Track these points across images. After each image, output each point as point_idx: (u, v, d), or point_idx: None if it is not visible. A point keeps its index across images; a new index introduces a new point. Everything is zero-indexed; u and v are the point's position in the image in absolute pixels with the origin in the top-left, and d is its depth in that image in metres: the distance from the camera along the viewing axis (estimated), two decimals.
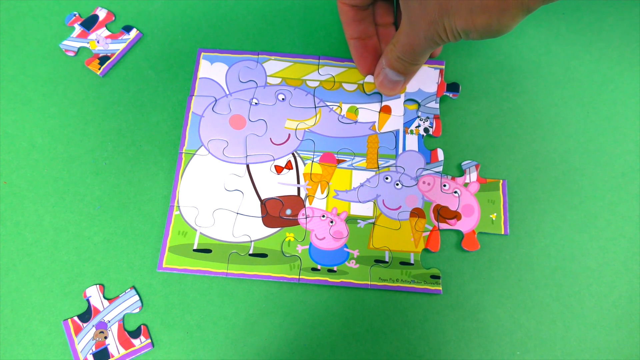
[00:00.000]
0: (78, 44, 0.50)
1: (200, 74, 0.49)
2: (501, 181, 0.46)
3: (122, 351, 0.42)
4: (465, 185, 0.46)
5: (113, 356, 0.42)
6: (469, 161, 0.47)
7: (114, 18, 0.52)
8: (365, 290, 0.44)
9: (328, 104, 0.48)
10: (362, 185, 0.46)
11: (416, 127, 0.48)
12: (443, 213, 0.45)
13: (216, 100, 0.48)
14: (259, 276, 0.43)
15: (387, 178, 0.46)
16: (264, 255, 0.44)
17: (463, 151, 0.48)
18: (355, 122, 0.48)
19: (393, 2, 0.45)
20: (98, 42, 0.50)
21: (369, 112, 0.48)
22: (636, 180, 0.47)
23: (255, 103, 0.48)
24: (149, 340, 0.42)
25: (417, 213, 0.45)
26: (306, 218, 0.45)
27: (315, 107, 0.48)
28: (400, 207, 0.46)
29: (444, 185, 0.46)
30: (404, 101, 0.49)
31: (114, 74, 0.50)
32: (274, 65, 0.50)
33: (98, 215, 0.45)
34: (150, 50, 0.51)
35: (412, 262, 0.44)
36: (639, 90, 0.50)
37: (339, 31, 0.52)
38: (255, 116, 0.48)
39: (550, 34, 0.52)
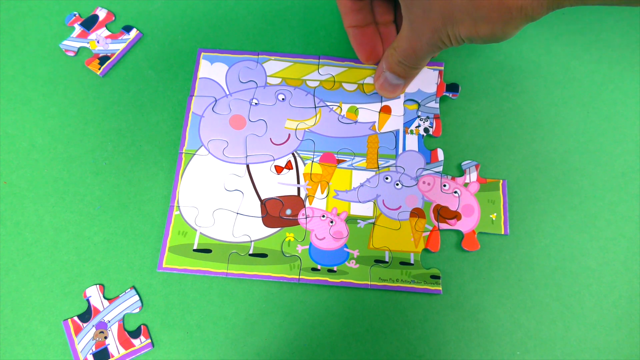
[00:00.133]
0: (78, 44, 0.50)
1: (200, 74, 0.49)
2: (501, 181, 0.46)
3: (122, 351, 0.42)
4: (465, 185, 0.46)
5: (113, 356, 0.42)
6: (469, 161, 0.47)
7: (114, 18, 0.52)
8: (365, 290, 0.44)
9: (328, 104, 0.48)
10: (362, 185, 0.46)
11: (416, 127, 0.48)
12: (443, 213, 0.45)
13: (216, 101, 0.48)
14: (259, 276, 0.43)
15: (387, 178, 0.46)
16: (264, 255, 0.44)
17: (463, 151, 0.48)
18: (355, 122, 0.48)
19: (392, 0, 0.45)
20: (98, 42, 0.50)
21: (369, 112, 0.48)
22: (636, 180, 0.47)
23: (255, 103, 0.48)
24: (149, 340, 0.42)
25: (417, 213, 0.45)
26: (306, 218, 0.45)
27: (315, 107, 0.48)
28: (400, 207, 0.46)
29: (444, 185, 0.46)
30: (404, 101, 0.49)
31: (114, 74, 0.50)
32: (274, 65, 0.50)
33: (98, 215, 0.45)
34: (150, 50, 0.51)
35: (412, 262, 0.44)
36: (639, 90, 0.50)
37: (339, 31, 0.52)
38: (255, 116, 0.48)
39: (550, 34, 0.52)
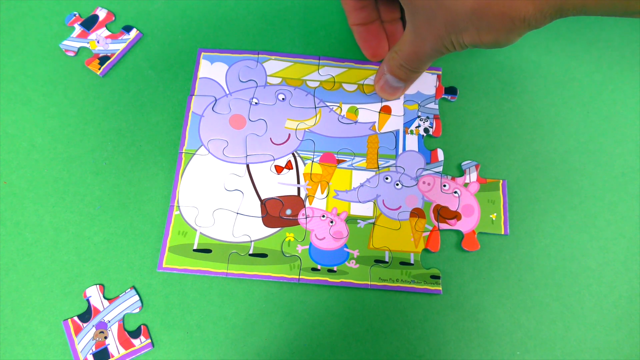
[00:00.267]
0: (78, 44, 0.50)
1: (200, 74, 0.49)
2: (501, 181, 0.46)
3: (122, 351, 0.42)
4: (465, 185, 0.46)
5: (113, 356, 0.42)
6: (469, 161, 0.47)
7: (114, 18, 0.52)
8: (365, 290, 0.44)
9: (328, 104, 0.48)
10: (362, 185, 0.46)
11: (416, 127, 0.48)
12: (443, 213, 0.45)
13: (216, 100, 0.48)
14: (259, 276, 0.43)
15: (387, 178, 0.46)
16: (264, 255, 0.44)
17: (463, 151, 0.48)
18: (355, 122, 0.48)
19: None
20: (98, 42, 0.50)
21: (369, 112, 0.48)
22: (636, 180, 0.47)
23: (255, 103, 0.48)
24: (149, 340, 0.42)
25: (417, 213, 0.45)
26: (306, 218, 0.45)
27: (315, 107, 0.48)
28: (400, 207, 0.46)
29: (444, 186, 0.46)
30: (404, 101, 0.49)
31: (114, 74, 0.50)
32: (274, 65, 0.50)
33: (98, 215, 0.45)
34: (150, 50, 0.51)
35: (412, 262, 0.44)
36: (639, 90, 0.50)
37: (339, 31, 0.52)
38: (255, 116, 0.48)
39: (550, 34, 0.52)
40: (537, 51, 0.51)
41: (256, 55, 0.50)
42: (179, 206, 0.45)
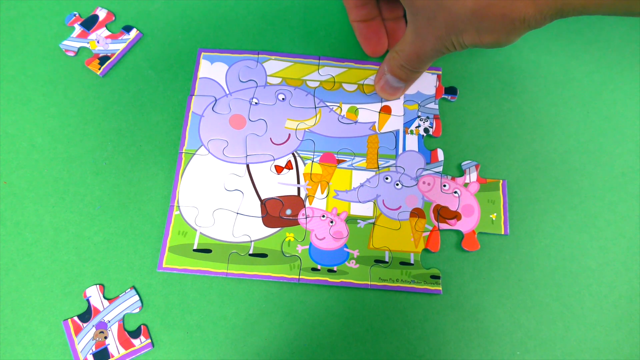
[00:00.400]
0: (78, 44, 0.50)
1: (200, 74, 0.49)
2: (501, 181, 0.46)
3: (122, 351, 0.42)
4: (465, 185, 0.46)
5: (113, 356, 0.42)
6: (469, 161, 0.47)
7: (114, 18, 0.52)
8: (365, 290, 0.44)
9: (328, 104, 0.48)
10: (362, 185, 0.46)
11: (416, 127, 0.48)
12: (443, 213, 0.45)
13: (216, 100, 0.48)
14: (259, 276, 0.43)
15: (387, 178, 0.46)
16: (264, 255, 0.44)
17: (463, 151, 0.48)
18: (355, 122, 0.48)
19: None
20: (98, 42, 0.50)
21: (369, 112, 0.48)
22: (636, 180, 0.47)
23: (255, 103, 0.48)
24: (149, 340, 0.42)
25: (417, 213, 0.45)
26: (306, 218, 0.45)
27: (315, 107, 0.48)
28: (400, 207, 0.46)
29: (444, 186, 0.46)
30: (404, 102, 0.49)
31: (114, 74, 0.50)
32: (274, 65, 0.50)
33: (98, 215, 0.45)
34: (150, 50, 0.51)
35: (412, 262, 0.44)
36: (639, 90, 0.50)
37: (339, 31, 0.52)
38: (255, 116, 0.48)
39: (550, 34, 0.52)
40: (537, 51, 0.51)
41: (256, 55, 0.50)
42: (179, 206, 0.45)
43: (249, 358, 0.42)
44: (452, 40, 0.36)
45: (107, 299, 0.43)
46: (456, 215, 0.45)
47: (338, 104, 0.48)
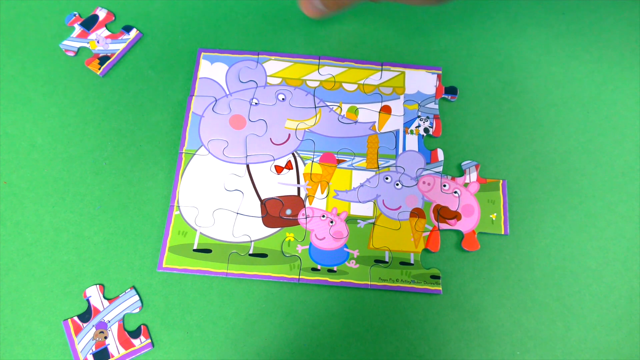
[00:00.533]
0: (78, 44, 0.50)
1: (200, 74, 0.49)
2: (501, 181, 0.46)
3: (122, 351, 0.42)
4: (465, 185, 0.46)
5: (113, 356, 0.42)
6: (469, 161, 0.47)
7: (114, 18, 0.52)
8: (365, 290, 0.44)
9: (328, 104, 0.48)
10: (362, 185, 0.46)
11: (416, 127, 0.48)
12: (443, 213, 0.45)
13: (216, 100, 0.48)
14: (259, 276, 0.43)
15: (387, 178, 0.46)
16: (264, 255, 0.44)
17: (463, 151, 0.48)
18: (355, 122, 0.48)
19: None
20: (98, 42, 0.50)
21: (369, 112, 0.48)
22: (636, 180, 0.47)
23: (255, 103, 0.48)
24: (149, 340, 0.42)
25: (417, 213, 0.45)
26: (306, 218, 0.45)
27: (315, 107, 0.48)
28: (400, 207, 0.46)
29: (444, 185, 0.46)
30: (404, 101, 0.49)
31: (114, 74, 0.50)
32: (274, 65, 0.50)
33: (98, 215, 0.45)
34: (150, 50, 0.51)
35: (412, 262, 0.44)
36: (639, 90, 0.50)
37: (339, 31, 0.52)
38: (255, 116, 0.48)
39: (550, 34, 0.52)
40: (537, 51, 0.51)
41: (256, 56, 0.50)
42: (179, 206, 0.45)
43: (249, 358, 0.42)
44: None
45: (107, 299, 0.43)
46: (456, 215, 0.45)
47: (338, 104, 0.48)
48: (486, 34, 0.52)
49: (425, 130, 0.48)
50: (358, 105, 0.49)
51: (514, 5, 0.53)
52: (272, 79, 0.49)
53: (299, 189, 0.46)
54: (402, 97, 0.49)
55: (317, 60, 0.50)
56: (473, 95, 0.50)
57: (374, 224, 0.45)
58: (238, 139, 0.47)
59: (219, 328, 0.43)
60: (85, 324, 0.42)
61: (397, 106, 0.49)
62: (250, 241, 0.44)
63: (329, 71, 0.49)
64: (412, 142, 0.48)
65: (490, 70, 0.51)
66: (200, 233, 0.44)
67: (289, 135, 0.47)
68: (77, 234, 0.45)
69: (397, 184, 0.46)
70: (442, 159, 0.47)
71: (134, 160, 0.47)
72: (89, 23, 0.51)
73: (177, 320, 0.43)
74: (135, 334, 0.42)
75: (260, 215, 0.45)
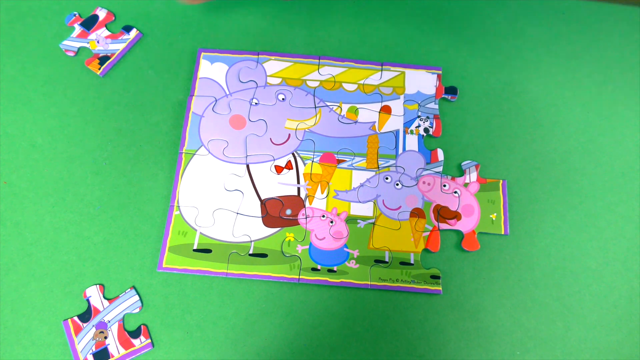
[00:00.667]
0: (78, 44, 0.50)
1: (200, 74, 0.49)
2: (501, 181, 0.46)
3: (122, 351, 0.42)
4: (465, 185, 0.46)
5: (113, 356, 0.42)
6: (469, 161, 0.47)
7: (114, 18, 0.52)
8: (365, 290, 0.44)
9: (328, 104, 0.48)
10: (362, 185, 0.46)
11: (416, 127, 0.48)
12: (443, 213, 0.45)
13: (216, 100, 0.48)
14: (259, 276, 0.43)
15: (387, 178, 0.46)
16: (264, 255, 0.44)
17: (463, 151, 0.48)
18: (355, 122, 0.48)
19: None
20: (98, 42, 0.50)
21: (369, 112, 0.48)
22: (636, 180, 0.47)
23: (255, 103, 0.48)
24: (149, 340, 0.42)
25: (417, 213, 0.45)
26: (306, 218, 0.45)
27: (315, 107, 0.48)
28: (400, 207, 0.46)
29: (444, 185, 0.46)
30: (404, 101, 0.49)
31: (114, 74, 0.50)
32: (274, 65, 0.50)
33: (98, 215, 0.45)
34: (150, 50, 0.51)
35: (412, 262, 0.44)
36: (639, 90, 0.50)
37: (339, 31, 0.52)
38: (255, 116, 0.48)
39: (550, 34, 0.52)
40: (537, 51, 0.51)
41: (256, 56, 0.50)
42: (179, 206, 0.45)
43: (249, 358, 0.42)
44: None
45: (107, 299, 0.43)
46: (456, 215, 0.45)
47: (338, 104, 0.48)
48: (486, 34, 0.52)
49: (425, 130, 0.48)
50: (358, 105, 0.49)
51: (514, 5, 0.53)
52: (272, 79, 0.49)
53: (299, 189, 0.46)
54: (402, 97, 0.49)
55: (317, 60, 0.50)
56: (473, 95, 0.50)
57: (374, 224, 0.45)
58: (238, 139, 0.47)
59: (219, 328, 0.43)
60: (85, 324, 0.42)
61: (397, 106, 0.49)
62: (250, 241, 0.44)
63: (329, 71, 0.49)
64: (412, 142, 0.48)
65: (490, 70, 0.51)
66: (200, 233, 0.44)
67: (289, 135, 0.47)
68: (77, 234, 0.45)
69: (397, 184, 0.46)
70: (442, 159, 0.47)
71: (134, 160, 0.47)
72: (89, 23, 0.51)
73: (177, 320, 0.43)
74: (135, 334, 0.42)
75: (260, 215, 0.45)
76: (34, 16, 0.51)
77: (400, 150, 0.47)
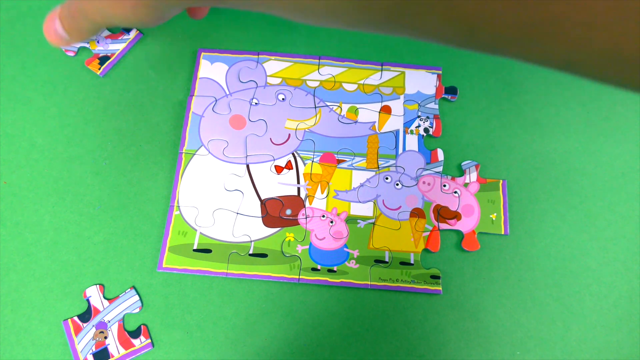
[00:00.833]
0: (78, 44, 0.50)
1: (200, 74, 0.49)
2: (501, 181, 0.46)
3: (122, 351, 0.42)
4: (465, 185, 0.46)
5: (113, 356, 0.42)
6: (469, 161, 0.47)
7: None
8: (365, 290, 0.44)
9: (328, 104, 0.48)
10: (362, 185, 0.46)
11: (416, 127, 0.48)
12: (443, 213, 0.45)
13: (216, 100, 0.48)
14: (259, 276, 0.43)
15: (387, 178, 0.46)
16: (264, 255, 0.44)
17: (463, 151, 0.48)
18: (355, 122, 0.48)
19: None
20: (98, 42, 0.50)
21: (369, 112, 0.48)
22: (636, 180, 0.47)
23: (255, 103, 0.48)
24: (149, 340, 0.42)
25: (417, 213, 0.45)
26: (306, 218, 0.45)
27: (315, 107, 0.48)
28: (400, 207, 0.46)
29: (444, 185, 0.46)
30: (404, 101, 0.49)
31: (114, 74, 0.50)
32: (274, 65, 0.50)
33: (98, 215, 0.45)
34: (150, 50, 0.51)
35: (412, 262, 0.44)
36: None
37: (339, 31, 0.52)
38: (255, 116, 0.48)
39: None
40: None
41: (256, 56, 0.50)
42: (179, 206, 0.45)
43: (249, 358, 0.42)
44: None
45: (107, 299, 0.43)
46: (456, 215, 0.45)
47: (338, 104, 0.48)
48: None
49: (425, 130, 0.48)
50: (358, 105, 0.49)
51: None
52: (272, 79, 0.49)
53: (299, 189, 0.46)
54: (402, 97, 0.49)
55: (317, 60, 0.50)
56: (473, 95, 0.50)
57: (374, 224, 0.45)
58: (238, 139, 0.47)
59: (219, 328, 0.43)
60: (85, 324, 0.42)
61: (397, 106, 0.49)
62: (250, 241, 0.44)
63: (329, 71, 0.49)
64: (412, 142, 0.48)
65: (490, 70, 0.51)
66: (200, 233, 0.44)
67: (289, 135, 0.47)
68: (77, 234, 0.45)
69: (397, 184, 0.46)
70: (442, 159, 0.47)
71: (134, 160, 0.47)
72: None
73: (177, 320, 0.43)
74: (135, 334, 0.42)
75: (260, 215, 0.45)
76: (34, 16, 0.51)
77: (400, 150, 0.47)
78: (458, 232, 0.45)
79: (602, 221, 0.46)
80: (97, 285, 0.43)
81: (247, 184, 0.46)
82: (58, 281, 0.44)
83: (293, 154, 0.47)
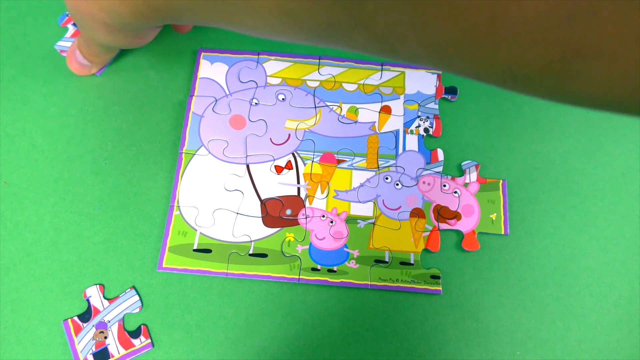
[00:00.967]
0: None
1: (200, 74, 0.49)
2: (501, 181, 0.46)
3: (122, 351, 0.42)
4: (465, 185, 0.46)
5: (113, 356, 0.42)
6: (469, 161, 0.47)
7: None
8: (365, 290, 0.44)
9: (328, 104, 0.48)
10: (362, 185, 0.46)
11: (416, 127, 0.48)
12: (443, 213, 0.45)
13: (216, 101, 0.48)
14: (259, 276, 0.43)
15: (387, 178, 0.46)
16: (264, 255, 0.44)
17: (463, 151, 0.48)
18: (355, 122, 0.48)
19: None
20: None
21: (369, 112, 0.48)
22: (636, 180, 0.47)
23: (255, 103, 0.48)
24: (149, 340, 0.42)
25: (417, 213, 0.45)
26: (306, 218, 0.45)
27: (315, 107, 0.48)
28: (400, 207, 0.46)
29: (444, 185, 0.46)
30: (404, 101, 0.49)
31: (114, 74, 0.50)
32: (274, 65, 0.50)
33: (98, 215, 0.45)
34: (150, 50, 0.51)
35: (412, 262, 0.44)
36: None
37: None
38: (255, 116, 0.48)
39: None
40: None
41: (256, 56, 0.50)
42: (179, 206, 0.45)
43: (249, 358, 0.42)
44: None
45: (107, 299, 0.43)
46: (456, 215, 0.45)
47: (338, 104, 0.48)
48: None
49: (425, 130, 0.48)
50: (358, 105, 0.49)
51: None
52: (272, 79, 0.49)
53: (299, 189, 0.46)
54: (402, 97, 0.49)
55: (317, 60, 0.50)
56: (473, 95, 0.50)
57: (374, 224, 0.45)
58: (238, 139, 0.47)
59: (219, 328, 0.43)
60: (85, 324, 0.42)
61: (397, 106, 0.49)
62: (250, 241, 0.44)
63: (329, 71, 0.49)
64: (412, 142, 0.48)
65: None
66: (200, 233, 0.44)
67: (289, 135, 0.47)
68: (77, 234, 0.45)
69: (397, 184, 0.46)
70: (442, 159, 0.47)
71: (134, 160, 0.47)
72: None
73: (177, 320, 0.43)
74: (135, 334, 0.42)
75: (260, 215, 0.45)
76: (34, 16, 0.51)
77: (400, 150, 0.47)
78: (458, 232, 0.45)
79: (602, 221, 0.46)
80: (97, 285, 0.44)
81: (247, 184, 0.46)
82: (58, 281, 0.44)
83: (293, 154, 0.47)
